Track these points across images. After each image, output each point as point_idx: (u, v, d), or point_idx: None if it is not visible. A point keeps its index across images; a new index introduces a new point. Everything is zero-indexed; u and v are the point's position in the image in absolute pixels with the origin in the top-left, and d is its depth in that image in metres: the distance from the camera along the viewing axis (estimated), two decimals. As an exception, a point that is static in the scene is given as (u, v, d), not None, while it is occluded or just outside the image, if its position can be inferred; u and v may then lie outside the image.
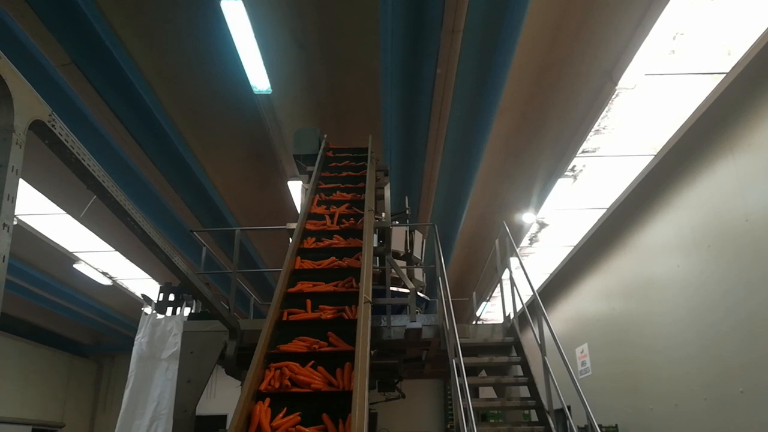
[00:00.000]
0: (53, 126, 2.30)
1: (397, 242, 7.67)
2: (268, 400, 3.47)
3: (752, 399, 6.11)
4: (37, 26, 5.64)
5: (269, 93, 7.06)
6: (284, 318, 4.35)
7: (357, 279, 4.67)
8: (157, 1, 6.36)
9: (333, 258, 5.15)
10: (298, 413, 3.38)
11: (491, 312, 14.77)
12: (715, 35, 5.73)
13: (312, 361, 3.84)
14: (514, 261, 7.06)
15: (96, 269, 12.15)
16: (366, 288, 4.20)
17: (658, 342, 8.37)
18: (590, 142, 7.59)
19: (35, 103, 2.19)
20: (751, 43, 5.80)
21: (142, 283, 13.00)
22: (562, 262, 12.49)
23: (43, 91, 2.28)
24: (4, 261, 1.98)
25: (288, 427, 3.26)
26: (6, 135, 2.01)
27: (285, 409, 3.41)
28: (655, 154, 7.94)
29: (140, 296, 12.33)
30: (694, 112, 6.99)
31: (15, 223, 2.09)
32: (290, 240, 5.74)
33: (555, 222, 10.35)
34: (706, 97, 6.70)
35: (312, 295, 4.61)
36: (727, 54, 5.98)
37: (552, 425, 5.34)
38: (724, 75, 6.30)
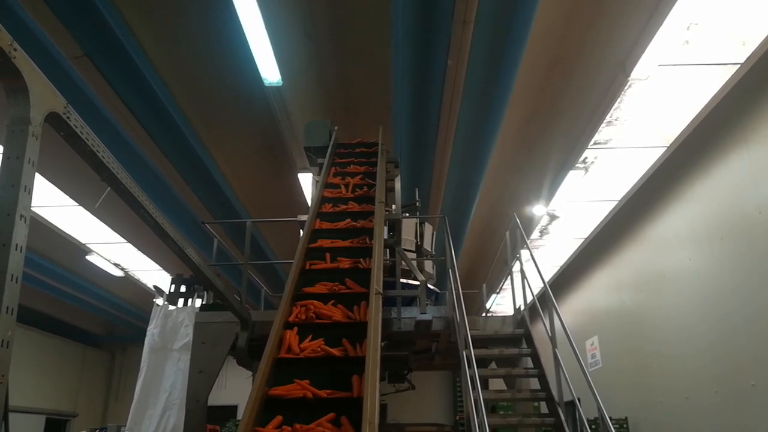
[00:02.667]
0: (68, 118, 2.32)
1: (408, 234, 7.67)
2: (295, 328, 4.03)
3: (764, 392, 6.08)
4: (50, 18, 5.67)
5: (280, 85, 7.06)
6: (307, 267, 4.90)
7: (370, 237, 5.23)
8: (168, -7, 6.39)
9: (348, 220, 5.72)
10: (321, 339, 3.94)
11: (501, 304, 14.76)
12: (729, 25, 5.67)
13: (332, 300, 4.41)
14: (524, 253, 7.04)
15: (108, 261, 12.26)
16: (377, 279, 4.23)
17: (669, 335, 8.33)
18: (602, 133, 7.54)
19: (51, 96, 2.22)
20: (767, 34, 5.73)
21: (154, 275, 13.10)
22: (572, 255, 12.44)
23: (56, 83, 2.30)
24: (21, 251, 2.00)
25: (314, 348, 3.84)
26: (23, 127, 2.03)
27: (310, 335, 3.99)
28: (668, 145, 7.87)
29: (152, 287, 12.43)
30: (707, 104, 6.92)
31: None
32: (301, 232, 5.83)
33: (566, 214, 10.30)
34: (720, 88, 6.63)
35: (331, 249, 5.20)
36: (742, 44, 5.91)
37: (562, 417, 5.34)
38: (739, 66, 6.23)
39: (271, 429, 3.17)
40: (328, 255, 5.08)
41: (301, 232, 5.74)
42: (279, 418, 3.23)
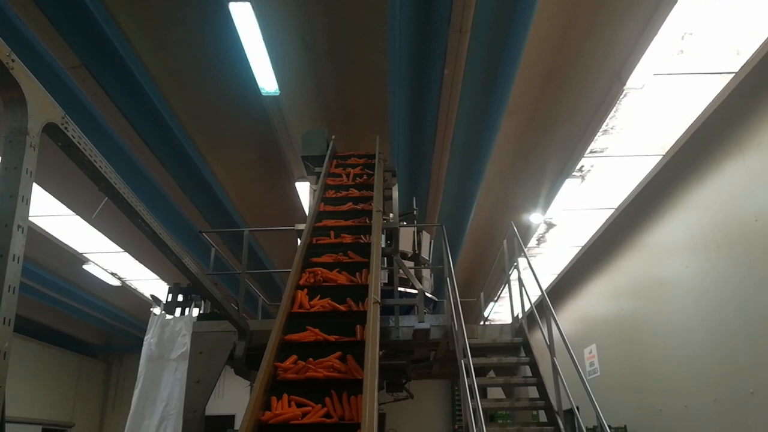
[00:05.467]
0: (66, 128, 2.32)
1: (405, 243, 7.67)
2: (306, 290, 4.62)
3: (762, 399, 6.08)
4: (48, 29, 5.68)
5: (277, 95, 7.08)
6: (314, 242, 5.48)
7: (369, 218, 5.82)
8: (166, 4, 6.41)
9: (350, 203, 6.32)
10: (328, 298, 4.53)
11: (499, 312, 14.74)
12: (723, 35, 5.71)
13: (337, 269, 4.98)
14: (522, 261, 7.05)
15: (105, 270, 12.22)
16: (375, 288, 4.24)
17: (667, 342, 8.33)
18: (598, 142, 7.57)
19: (49, 106, 2.22)
20: (760, 43, 5.77)
21: (151, 284, 13.07)
22: (570, 263, 12.45)
23: (53, 93, 2.30)
24: (18, 262, 2.00)
25: (323, 304, 4.45)
26: (20, 138, 2.03)
27: (318, 295, 4.58)
28: (664, 154, 7.90)
29: (149, 297, 12.38)
30: (702, 112, 6.96)
31: (29, 224, 2.11)
32: (299, 241, 5.89)
33: (563, 222, 10.32)
34: (715, 97, 6.67)
35: (335, 228, 5.76)
36: (736, 53, 5.95)
37: (561, 426, 5.33)
38: (733, 75, 6.27)
39: (288, 364, 3.77)
40: (332, 232, 5.65)
41: (299, 241, 5.80)
42: (294, 357, 3.83)
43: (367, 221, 5.82)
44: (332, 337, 4.04)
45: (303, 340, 4.05)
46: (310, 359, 3.76)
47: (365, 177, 7.06)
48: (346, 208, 6.21)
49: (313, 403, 3.49)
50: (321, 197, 6.43)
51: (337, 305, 4.43)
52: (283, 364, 3.75)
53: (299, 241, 5.79)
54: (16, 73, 2.01)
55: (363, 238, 5.57)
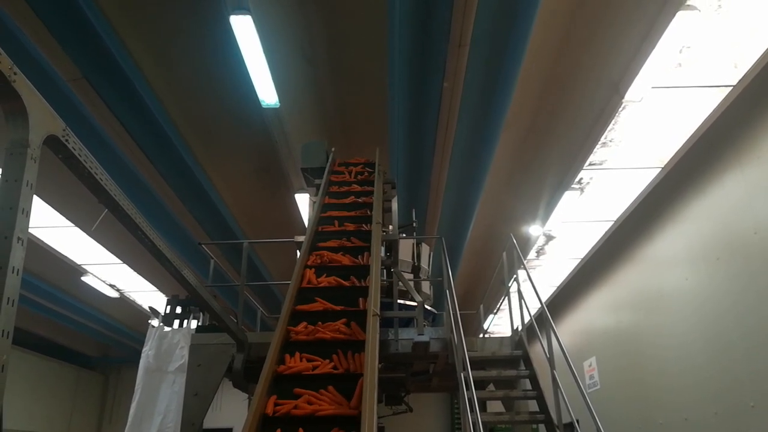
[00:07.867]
0: (67, 141, 2.33)
1: (405, 255, 7.66)
2: (313, 269, 5.14)
3: (763, 413, 6.05)
4: (49, 41, 5.72)
5: (277, 107, 7.10)
6: (320, 230, 6.00)
7: (370, 209, 6.35)
8: (167, 16, 6.44)
9: (352, 197, 6.84)
10: (334, 276, 5.06)
11: (499, 325, 14.68)
12: (721, 48, 5.74)
13: (341, 252, 5.51)
14: (521, 273, 7.04)
15: (104, 282, 12.18)
16: (374, 301, 4.24)
17: (666, 355, 8.30)
18: (597, 154, 7.58)
19: (50, 119, 2.23)
20: (758, 56, 5.80)
21: (150, 296, 13.03)
22: (569, 275, 12.43)
23: (54, 105, 2.31)
24: (18, 274, 2.00)
25: (329, 281, 4.99)
26: (21, 150, 2.03)
27: (325, 274, 5.11)
28: (662, 166, 7.92)
29: (147, 308, 12.35)
30: (701, 125, 6.98)
31: (29, 236, 2.11)
32: (298, 253, 5.93)
33: (562, 234, 10.31)
34: (713, 110, 6.69)
35: (339, 218, 6.26)
36: (734, 67, 5.98)
37: (561, 440, 5.30)
38: (731, 88, 6.30)
39: (300, 328, 4.31)
40: (336, 222, 6.15)
41: (298, 253, 5.83)
42: (304, 323, 4.37)
43: (368, 213, 6.33)
44: (338, 307, 4.58)
45: (312, 310, 4.58)
46: (319, 323, 4.32)
47: (366, 174, 7.59)
48: (349, 201, 6.73)
49: (321, 359, 3.99)
50: (326, 191, 6.97)
51: (342, 281, 4.98)
52: (295, 328, 4.30)
53: (299, 253, 5.80)
54: (17, 86, 2.02)
55: (364, 226, 6.06)
